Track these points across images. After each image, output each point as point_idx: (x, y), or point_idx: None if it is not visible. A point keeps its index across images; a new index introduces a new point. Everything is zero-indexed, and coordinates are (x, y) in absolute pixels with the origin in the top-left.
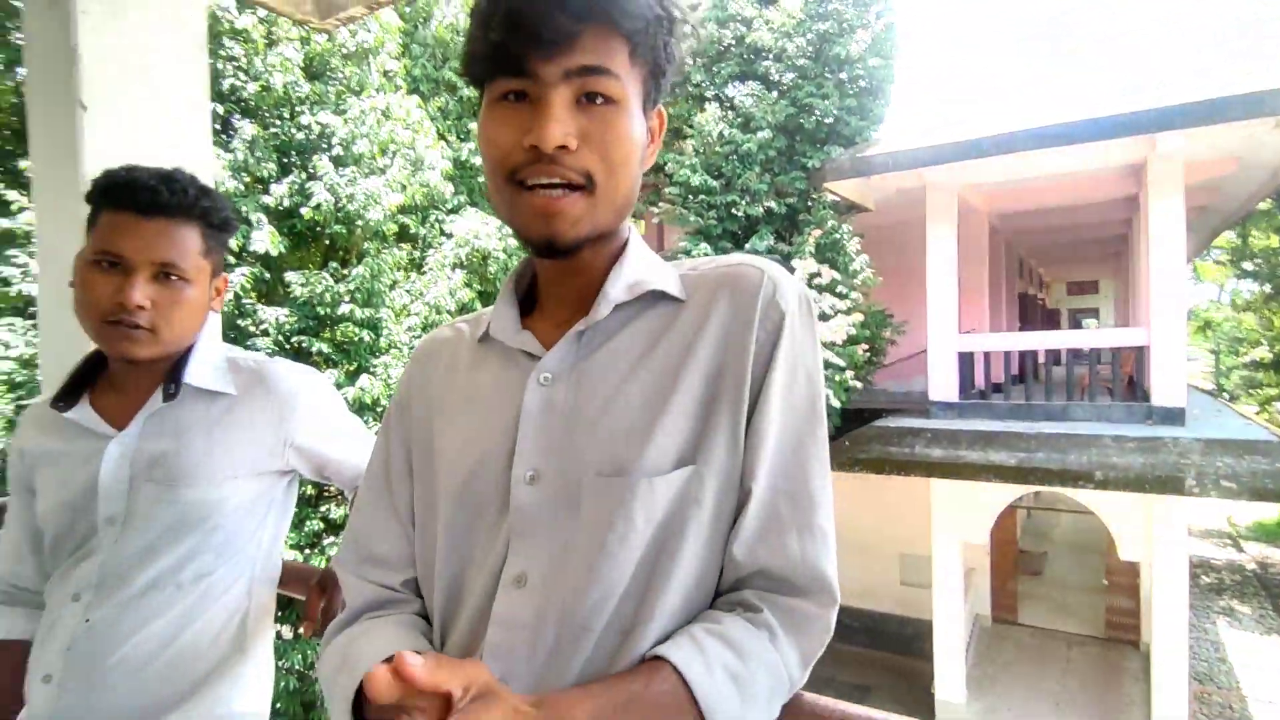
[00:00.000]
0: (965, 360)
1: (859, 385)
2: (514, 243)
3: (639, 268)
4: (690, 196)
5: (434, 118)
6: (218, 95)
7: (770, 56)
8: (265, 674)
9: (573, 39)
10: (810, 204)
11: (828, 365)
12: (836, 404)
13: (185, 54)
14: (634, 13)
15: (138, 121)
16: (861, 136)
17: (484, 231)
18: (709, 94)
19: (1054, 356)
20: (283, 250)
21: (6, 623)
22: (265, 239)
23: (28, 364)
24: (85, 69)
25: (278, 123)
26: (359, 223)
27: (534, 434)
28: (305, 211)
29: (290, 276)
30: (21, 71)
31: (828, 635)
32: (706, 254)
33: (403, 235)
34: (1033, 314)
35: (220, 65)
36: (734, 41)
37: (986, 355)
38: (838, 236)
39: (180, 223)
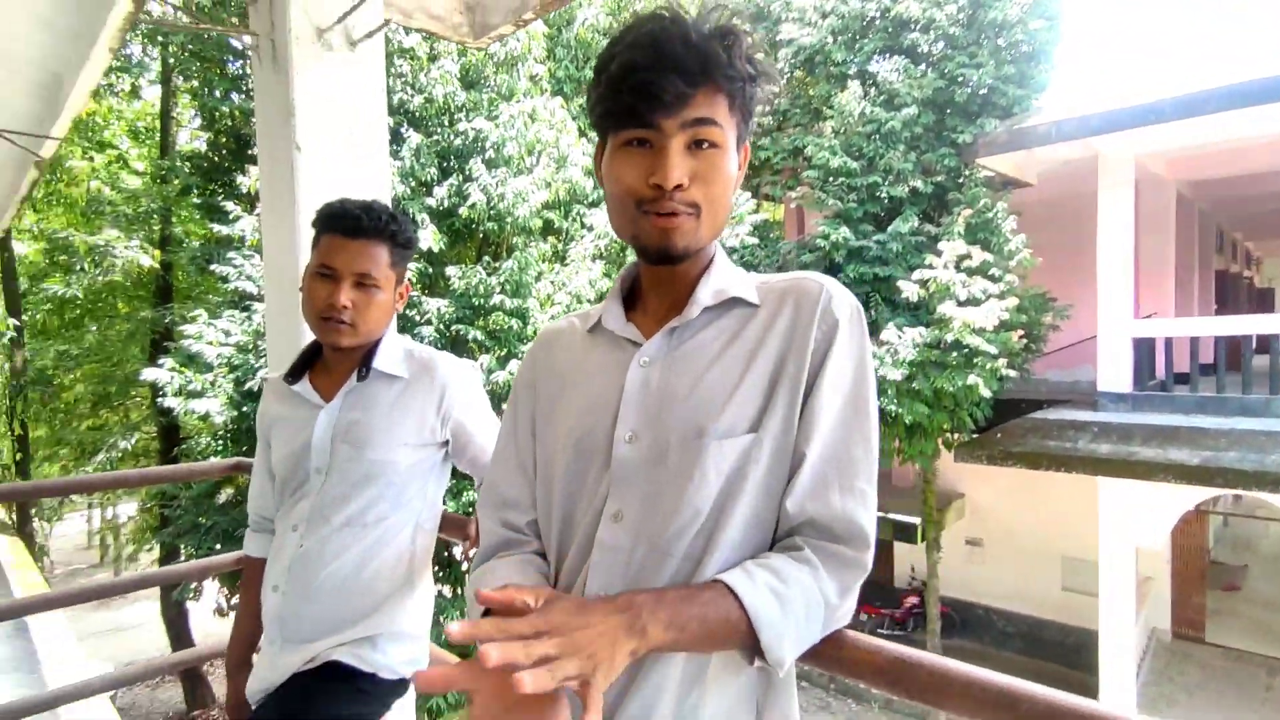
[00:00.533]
0: (1143, 347)
1: (1014, 374)
2: None
3: (723, 278)
4: (829, 179)
5: (575, 116)
6: (389, 110)
7: (917, 28)
8: (426, 602)
9: (688, 98)
10: (960, 182)
11: (978, 353)
12: (988, 393)
13: (373, 102)
14: (733, 74)
15: (337, 157)
16: (1020, 106)
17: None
18: (850, 72)
19: (1259, 343)
20: (443, 247)
21: (259, 545)
22: (429, 237)
23: (242, 349)
24: (299, 119)
25: (439, 130)
26: (508, 219)
27: (633, 405)
28: (462, 211)
29: (450, 270)
30: (235, 98)
31: (862, 572)
32: (847, 239)
33: (547, 229)
34: (1235, 294)
35: (391, 82)
36: (878, 15)
37: (1169, 341)
38: (990, 215)
39: (375, 243)
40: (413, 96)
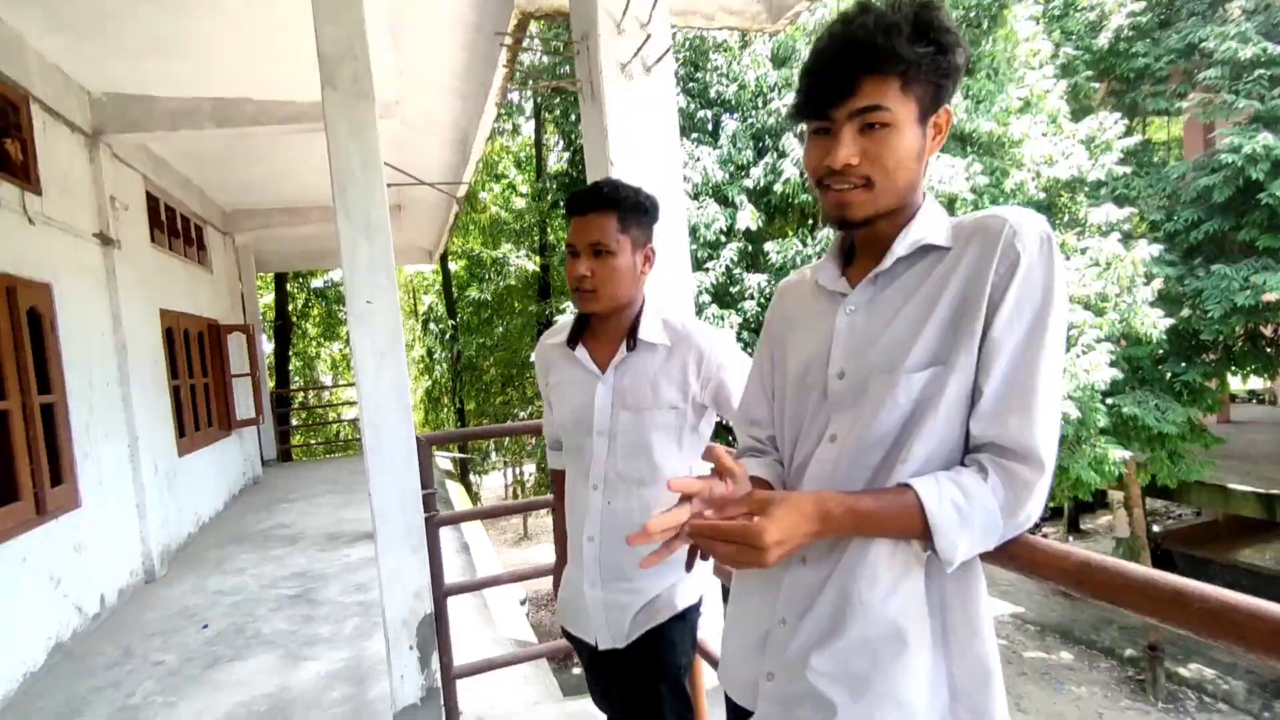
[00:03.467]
0: None
1: None
2: (982, 181)
3: (921, 228)
4: (1242, 75)
5: None
6: (707, 102)
7: None
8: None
9: (852, 90)
10: None
11: None
12: None
13: (666, 113)
14: (900, 58)
15: (641, 168)
16: None
17: (947, 175)
18: None
19: None
20: (761, 225)
21: (559, 460)
22: (747, 217)
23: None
24: (611, 139)
25: (753, 113)
26: None
27: (841, 346)
28: (777, 187)
29: (767, 246)
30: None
31: (1038, 491)
32: (1269, 148)
33: None
34: None
35: (707, 77)
36: None
37: None
38: None
39: (601, 213)
40: (728, 86)
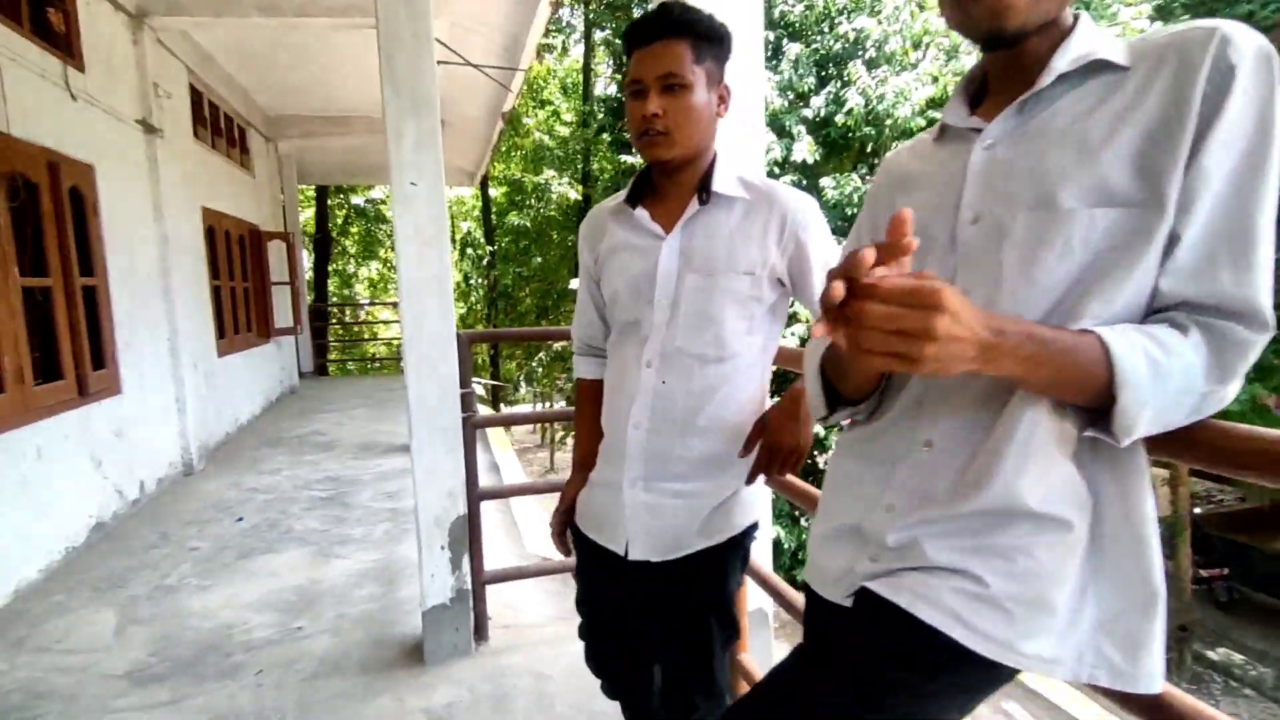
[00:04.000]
0: None
1: None
2: None
3: (1086, 43)
4: None
5: None
6: (770, 23)
7: None
8: None
9: None
10: None
11: None
12: None
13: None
14: None
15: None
16: None
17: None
18: None
19: None
20: (818, 159)
21: (593, 368)
22: (804, 149)
23: None
24: None
25: (818, 38)
26: (887, 122)
27: (977, 187)
28: (839, 119)
29: (824, 182)
30: None
31: (1253, 355)
32: None
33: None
34: None
35: None
36: None
37: None
38: None
39: (673, 40)
40: (794, 6)
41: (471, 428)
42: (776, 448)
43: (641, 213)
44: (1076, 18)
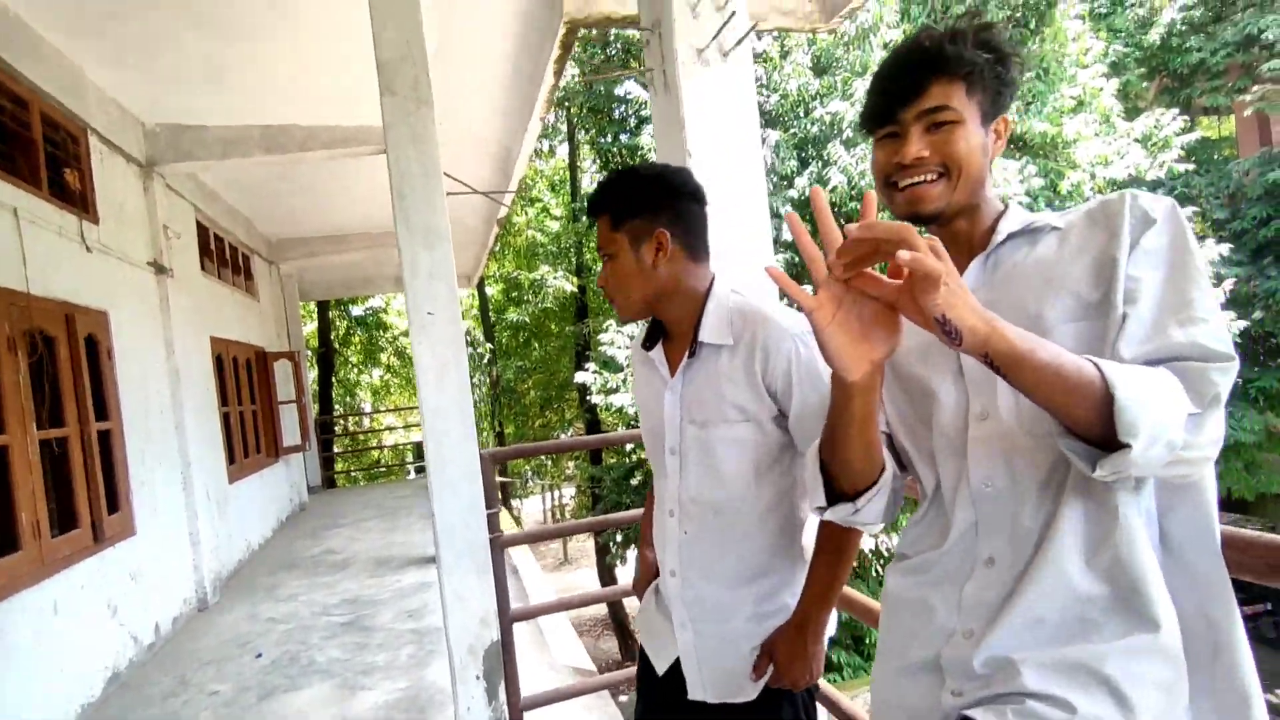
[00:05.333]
0: None
1: None
2: (1037, 184)
3: (1024, 217)
4: None
5: None
6: None
7: None
8: (801, 571)
9: (922, 90)
10: None
11: None
12: None
13: (745, 101)
14: (965, 61)
15: (721, 157)
16: None
17: (1001, 178)
18: None
19: None
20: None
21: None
22: None
23: None
24: (689, 130)
25: (795, 123)
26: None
27: None
28: None
29: None
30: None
31: (1218, 379)
32: None
33: None
34: None
35: None
36: None
37: None
38: None
39: (598, 219)
40: (769, 97)
41: (499, 548)
42: (788, 678)
43: (658, 352)
44: (1006, 205)
